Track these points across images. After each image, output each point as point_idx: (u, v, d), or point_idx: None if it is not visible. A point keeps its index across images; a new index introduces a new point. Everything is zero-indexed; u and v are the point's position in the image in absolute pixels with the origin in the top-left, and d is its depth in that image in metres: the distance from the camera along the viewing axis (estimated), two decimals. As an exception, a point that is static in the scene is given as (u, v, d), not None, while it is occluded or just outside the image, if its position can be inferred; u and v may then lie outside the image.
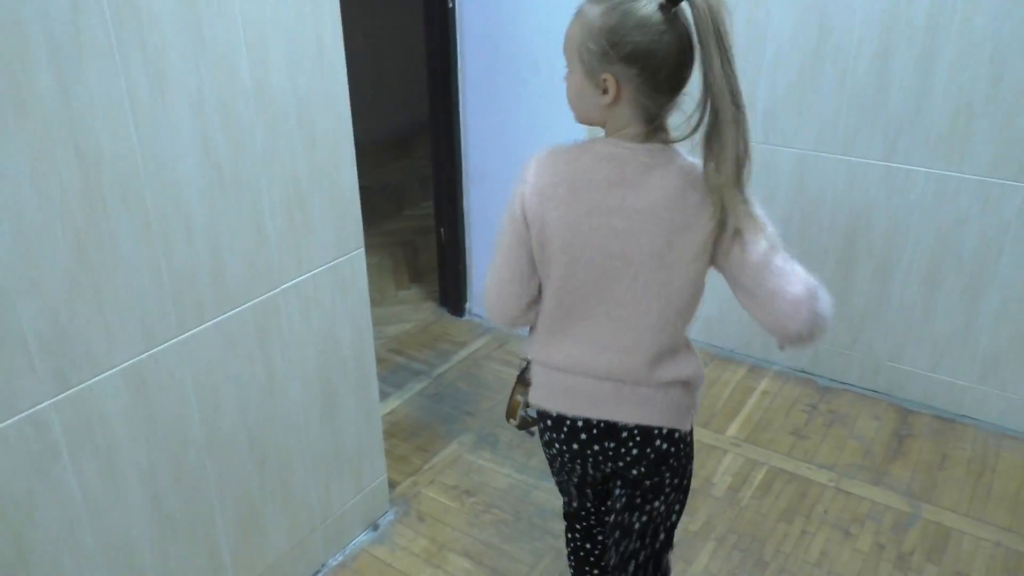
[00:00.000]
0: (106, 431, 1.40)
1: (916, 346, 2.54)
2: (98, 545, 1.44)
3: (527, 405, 1.54)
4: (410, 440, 2.51)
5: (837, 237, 2.55)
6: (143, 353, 1.43)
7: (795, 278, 1.13)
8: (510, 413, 1.63)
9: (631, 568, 1.43)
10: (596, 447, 1.33)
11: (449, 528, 2.16)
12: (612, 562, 1.46)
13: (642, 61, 1.09)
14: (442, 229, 3.08)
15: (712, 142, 1.10)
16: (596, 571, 1.63)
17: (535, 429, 1.60)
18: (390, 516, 2.19)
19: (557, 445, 1.37)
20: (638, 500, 1.38)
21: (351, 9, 4.91)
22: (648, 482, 1.35)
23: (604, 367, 1.27)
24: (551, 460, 1.45)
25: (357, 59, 5.21)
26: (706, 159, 1.12)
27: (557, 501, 2.23)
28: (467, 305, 3.19)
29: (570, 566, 1.69)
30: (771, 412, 2.60)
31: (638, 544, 1.41)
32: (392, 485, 2.28)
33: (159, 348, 1.45)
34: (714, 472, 2.33)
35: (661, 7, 1.08)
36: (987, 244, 2.32)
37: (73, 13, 1.19)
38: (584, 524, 1.60)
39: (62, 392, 1.32)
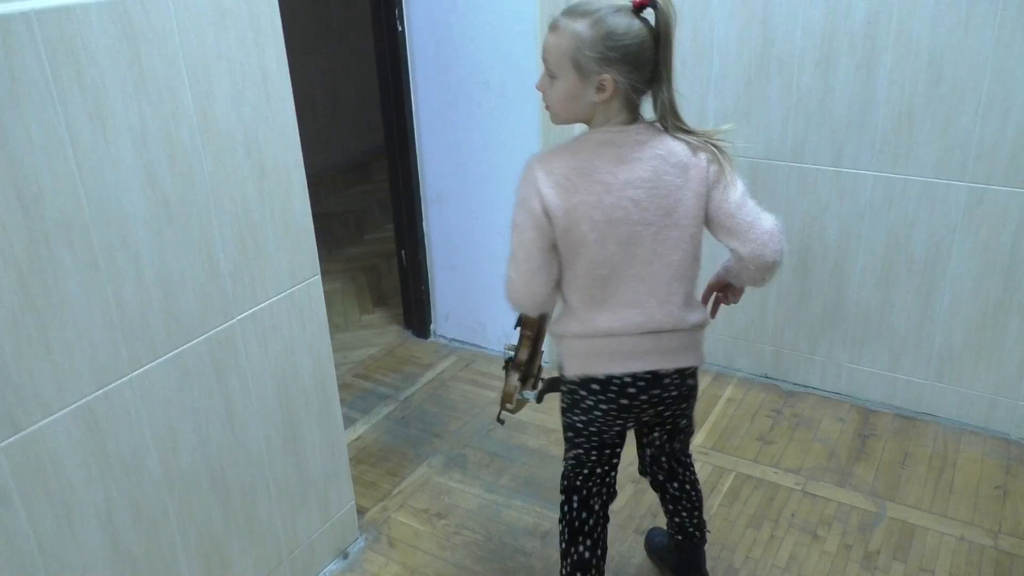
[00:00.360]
0: (59, 473, 1.37)
1: (875, 347, 2.58)
2: (55, 590, 1.41)
3: (523, 389, 1.70)
4: (379, 465, 2.49)
5: (792, 243, 2.58)
6: (95, 392, 1.40)
7: (765, 216, 1.44)
8: (507, 399, 1.72)
9: (682, 459, 1.80)
10: (644, 397, 1.53)
11: (420, 552, 2.14)
12: (647, 460, 1.80)
13: (633, 60, 1.33)
14: (403, 252, 3.08)
15: (675, 111, 1.40)
16: (588, 541, 1.72)
17: (505, 416, 1.76)
18: (360, 543, 2.17)
19: (604, 406, 1.54)
20: (670, 428, 1.71)
21: (305, 38, 4.94)
22: (681, 416, 1.67)
23: (645, 322, 1.46)
24: (587, 424, 1.59)
25: (313, 87, 5.22)
26: (678, 127, 1.41)
27: (528, 519, 2.24)
28: (432, 327, 3.19)
29: (562, 540, 1.74)
30: (736, 419, 2.62)
31: (673, 451, 1.77)
32: (361, 512, 2.26)
33: (111, 386, 1.43)
34: (683, 481, 2.34)
35: (633, 13, 1.33)
36: (936, 244, 2.37)
37: (5, 51, 1.18)
38: (583, 494, 1.71)
39: (11, 436, 1.29)
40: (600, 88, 1.35)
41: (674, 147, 1.40)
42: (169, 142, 1.43)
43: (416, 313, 3.17)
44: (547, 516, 2.23)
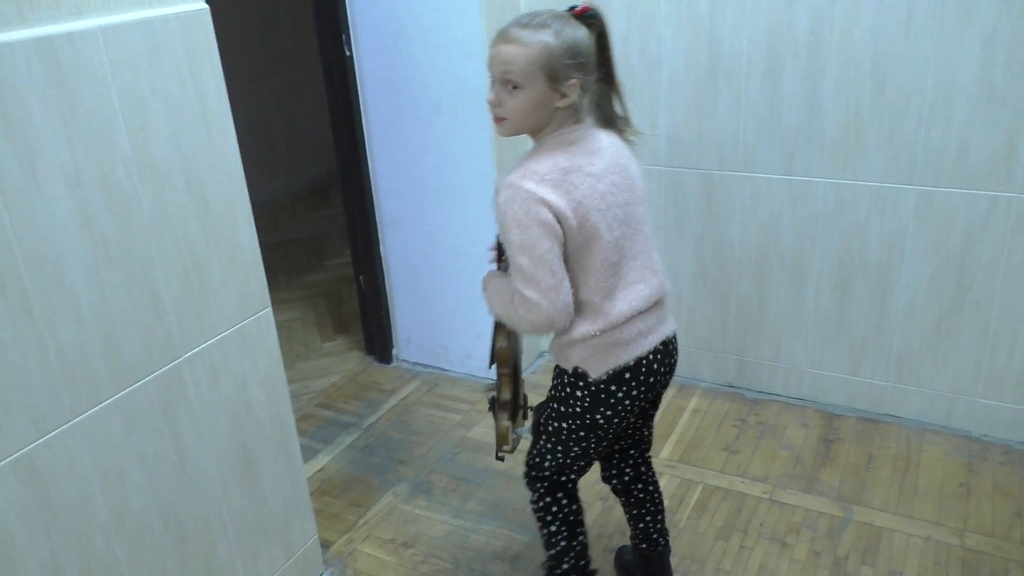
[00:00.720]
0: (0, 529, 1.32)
1: (835, 351, 2.60)
2: (0, 651, 1.35)
3: (515, 427, 1.68)
4: (343, 496, 2.44)
5: (749, 252, 2.60)
6: (34, 442, 1.35)
7: None
8: (502, 441, 1.68)
9: (647, 457, 1.85)
10: (662, 369, 1.60)
11: (388, 584, 2.10)
12: (615, 458, 1.83)
13: (590, 64, 1.45)
14: (361, 277, 3.04)
15: (615, 107, 1.55)
16: (584, 527, 1.80)
17: (510, 446, 1.70)
18: (326, 578, 2.13)
19: (635, 392, 1.56)
20: (652, 411, 1.77)
21: (257, 66, 4.88)
22: (666, 388, 1.69)
23: (651, 294, 1.54)
24: (611, 419, 1.58)
25: (268, 114, 5.16)
26: (614, 118, 1.55)
27: (496, 543, 2.20)
28: (394, 351, 3.15)
29: (559, 538, 1.76)
30: (702, 430, 2.61)
31: (648, 443, 1.84)
32: (326, 545, 2.21)
33: (52, 434, 1.38)
34: (651, 496, 2.33)
35: (577, 20, 1.43)
36: (889, 247, 2.39)
37: (-74, 95, 1.14)
38: (568, 487, 1.76)
39: (-55, 492, 1.24)
40: (565, 93, 1.42)
41: (613, 136, 1.54)
42: (104, 180, 1.40)
43: (377, 338, 3.13)
44: (516, 539, 2.21)
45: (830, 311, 2.56)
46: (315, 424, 2.80)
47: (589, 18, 1.45)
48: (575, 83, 1.42)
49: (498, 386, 1.67)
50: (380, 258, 2.99)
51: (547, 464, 1.71)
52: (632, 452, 1.83)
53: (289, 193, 4.92)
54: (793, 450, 2.48)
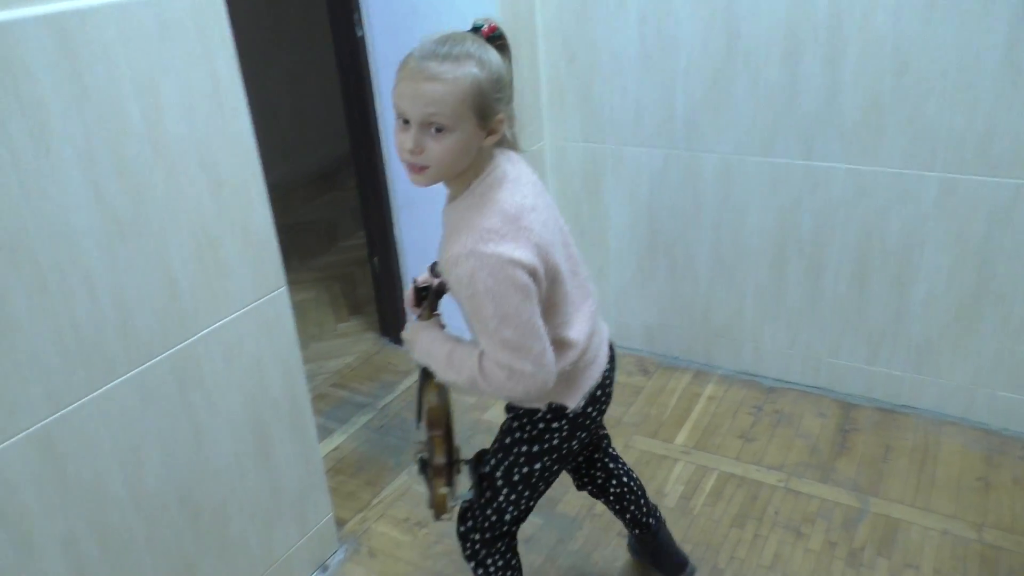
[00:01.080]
0: (15, 500, 1.34)
1: (853, 340, 2.57)
2: (15, 622, 1.37)
3: (453, 492, 1.54)
4: (357, 475, 2.45)
5: (767, 238, 2.57)
6: (50, 416, 1.37)
7: None
8: (440, 509, 1.53)
9: (610, 452, 1.86)
10: (613, 374, 1.59)
11: (402, 562, 2.11)
12: (583, 465, 1.83)
13: (512, 95, 1.31)
14: (375, 259, 3.05)
15: (511, 130, 1.38)
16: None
17: (449, 515, 1.56)
18: (339, 555, 2.14)
19: (603, 406, 1.56)
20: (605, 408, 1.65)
21: (265, 48, 4.85)
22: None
23: (595, 308, 1.52)
24: (582, 440, 1.55)
25: (277, 97, 5.14)
26: (512, 141, 1.41)
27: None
28: (409, 334, 3.15)
29: None
30: (718, 417, 2.60)
31: (607, 439, 1.85)
32: (341, 523, 2.23)
33: (68, 409, 1.40)
34: (665, 482, 2.32)
35: (487, 46, 1.27)
36: (909, 235, 2.35)
37: (-60, 71, 1.15)
38: (514, 538, 1.68)
39: (-39, 465, 1.26)
40: (492, 130, 1.28)
41: (512, 153, 1.42)
42: (117, 158, 1.40)
43: (392, 320, 3.13)
44: (529, 521, 2.20)
45: (848, 299, 2.53)
46: (330, 404, 2.81)
47: (497, 38, 1.29)
48: (502, 118, 1.27)
49: (430, 448, 1.50)
50: (394, 239, 2.99)
51: (507, 518, 1.59)
52: (596, 456, 1.83)
53: (299, 176, 4.91)
54: (809, 439, 2.46)
